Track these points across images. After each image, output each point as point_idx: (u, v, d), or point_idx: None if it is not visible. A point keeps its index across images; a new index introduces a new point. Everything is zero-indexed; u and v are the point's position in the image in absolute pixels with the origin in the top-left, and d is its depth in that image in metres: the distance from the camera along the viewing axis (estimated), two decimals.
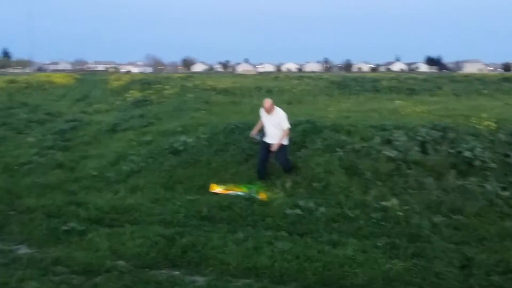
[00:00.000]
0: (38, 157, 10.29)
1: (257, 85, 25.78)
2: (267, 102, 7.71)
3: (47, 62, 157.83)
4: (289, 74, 49.93)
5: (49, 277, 4.73)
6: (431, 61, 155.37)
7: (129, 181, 8.28)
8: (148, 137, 11.40)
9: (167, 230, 5.93)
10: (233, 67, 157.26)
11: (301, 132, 9.16)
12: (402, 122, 9.52)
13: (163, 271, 4.99)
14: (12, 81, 34.61)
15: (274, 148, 7.57)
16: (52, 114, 18.65)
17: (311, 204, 6.57)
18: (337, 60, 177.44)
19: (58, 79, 42.37)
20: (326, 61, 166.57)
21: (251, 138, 8.28)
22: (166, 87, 23.19)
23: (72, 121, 15.75)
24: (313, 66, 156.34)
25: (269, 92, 22.48)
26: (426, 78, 32.61)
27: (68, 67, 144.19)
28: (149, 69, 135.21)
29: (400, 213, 6.29)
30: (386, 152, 7.93)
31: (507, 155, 7.87)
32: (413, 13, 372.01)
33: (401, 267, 4.92)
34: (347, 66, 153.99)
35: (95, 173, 8.89)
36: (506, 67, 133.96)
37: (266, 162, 7.81)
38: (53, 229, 6.07)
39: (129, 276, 4.76)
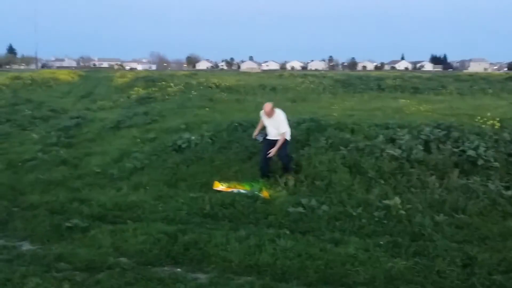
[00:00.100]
0: (42, 154, 10.34)
1: (261, 83, 25.81)
2: (267, 106, 7.65)
3: (52, 58, 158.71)
4: (293, 72, 50.02)
5: (52, 273, 4.73)
6: (436, 60, 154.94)
7: (132, 178, 8.31)
8: (151, 135, 11.43)
9: (170, 227, 5.93)
10: (238, 65, 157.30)
11: (305, 130, 9.16)
12: (406, 121, 9.51)
13: (166, 268, 4.99)
14: (16, 78, 34.77)
15: (272, 154, 7.56)
16: (56, 110, 18.77)
17: (313, 202, 6.56)
18: (342, 58, 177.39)
19: (63, 75, 42.68)
20: (330, 59, 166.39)
21: (253, 139, 8.28)
22: (170, 84, 23.26)
23: (76, 118, 15.79)
24: (317, 64, 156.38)
25: (273, 90, 22.51)
26: (431, 77, 32.56)
27: (73, 64, 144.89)
28: (153, 67, 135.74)
29: (403, 212, 6.27)
30: (389, 151, 7.91)
31: (511, 155, 7.84)
32: (419, 12, 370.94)
33: (403, 265, 4.90)
34: (352, 65, 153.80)
35: (98, 170, 8.92)
36: (511, 66, 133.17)
37: (269, 160, 7.80)
38: (56, 226, 6.08)
39: (132, 273, 4.76)
